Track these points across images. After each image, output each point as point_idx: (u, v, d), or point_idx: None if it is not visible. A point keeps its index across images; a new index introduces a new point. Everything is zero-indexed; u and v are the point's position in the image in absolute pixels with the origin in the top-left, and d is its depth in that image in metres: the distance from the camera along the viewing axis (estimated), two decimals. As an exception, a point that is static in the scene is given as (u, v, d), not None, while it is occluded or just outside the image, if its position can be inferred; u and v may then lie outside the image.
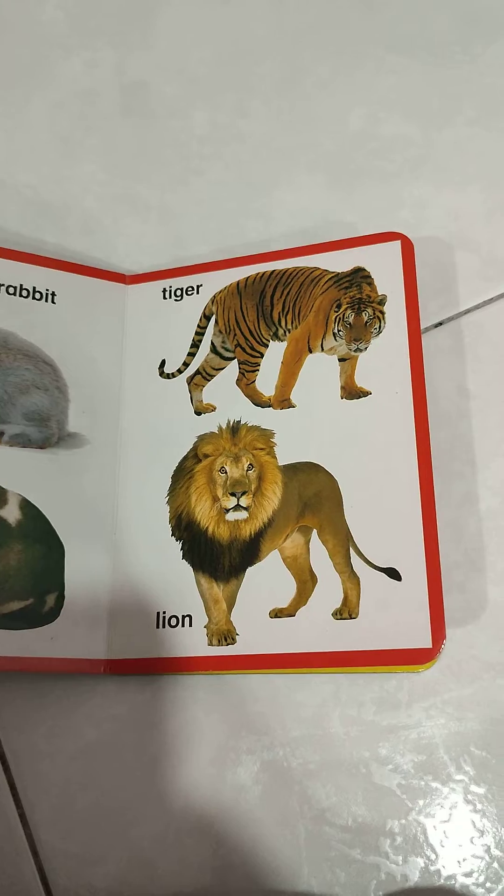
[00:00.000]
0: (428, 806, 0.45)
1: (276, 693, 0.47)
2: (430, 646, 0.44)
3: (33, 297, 0.51)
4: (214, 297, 0.53)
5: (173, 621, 0.47)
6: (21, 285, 0.51)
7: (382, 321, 0.50)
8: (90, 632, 0.47)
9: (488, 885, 0.44)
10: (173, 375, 0.52)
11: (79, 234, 0.56)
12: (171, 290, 0.54)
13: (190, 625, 0.47)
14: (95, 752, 0.47)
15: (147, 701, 0.48)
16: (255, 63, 0.61)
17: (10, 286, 0.51)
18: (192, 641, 0.47)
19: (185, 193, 0.57)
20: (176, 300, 0.53)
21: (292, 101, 0.60)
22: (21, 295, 0.51)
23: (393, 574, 0.45)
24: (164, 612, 0.48)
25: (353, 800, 0.46)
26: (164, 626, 0.47)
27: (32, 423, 0.49)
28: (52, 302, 0.52)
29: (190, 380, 0.52)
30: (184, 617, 0.47)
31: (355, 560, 0.46)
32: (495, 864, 0.44)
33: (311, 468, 0.48)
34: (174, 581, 0.48)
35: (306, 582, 0.47)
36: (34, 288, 0.51)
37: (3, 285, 0.51)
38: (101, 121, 0.59)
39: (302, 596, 0.46)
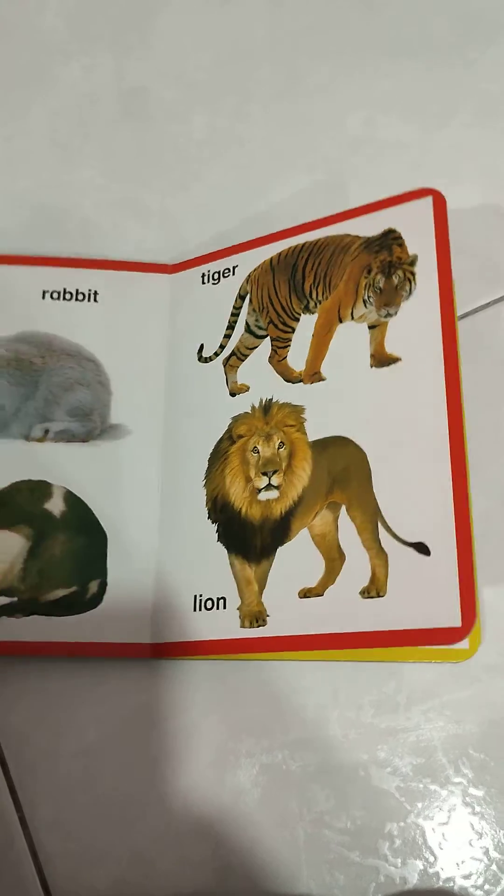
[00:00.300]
0: (426, 808, 0.45)
1: (276, 696, 0.47)
2: (460, 624, 0.40)
3: (76, 299, 0.53)
4: (249, 275, 0.52)
5: (209, 604, 0.47)
6: (64, 289, 0.53)
7: (413, 283, 0.47)
8: (134, 616, 0.48)
9: (487, 887, 0.43)
10: (210, 359, 0.52)
11: (79, 239, 0.56)
12: (209, 275, 0.53)
13: (224, 607, 0.46)
14: (95, 754, 0.47)
15: (147, 703, 0.48)
16: (253, 67, 0.61)
17: (55, 291, 0.53)
18: (227, 623, 0.46)
19: (185, 197, 0.58)
20: (214, 284, 0.53)
21: (291, 104, 0.59)
22: (64, 298, 0.53)
23: (422, 549, 0.43)
24: (200, 595, 0.47)
25: (351, 802, 0.45)
26: (200, 609, 0.47)
27: (76, 418, 0.51)
28: (95, 301, 0.53)
29: (226, 362, 0.51)
30: (218, 599, 0.47)
31: (383, 535, 0.44)
32: (494, 867, 0.43)
33: (341, 442, 0.46)
34: (210, 563, 0.48)
35: (335, 560, 0.45)
36: (77, 290, 0.53)
37: (46, 291, 0.53)
38: (101, 126, 0.60)
39: (330, 574, 0.44)
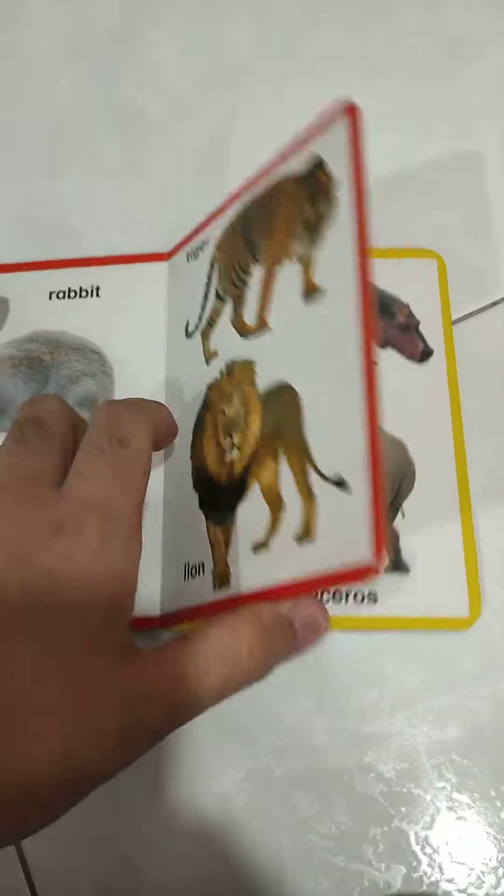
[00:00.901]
0: (410, 813, 0.44)
1: (260, 704, 0.47)
2: (371, 559, 0.37)
3: (80, 296, 0.56)
4: (218, 242, 0.52)
5: (193, 571, 0.47)
6: (69, 288, 0.57)
7: (335, 207, 0.44)
8: (144, 590, 0.50)
9: (470, 890, 0.43)
10: (193, 333, 0.52)
11: (66, 253, 0.58)
12: (192, 252, 0.54)
13: (203, 573, 0.47)
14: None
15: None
16: (242, 83, 0.62)
17: (60, 291, 0.57)
18: (204, 588, 0.46)
19: (174, 213, 0.58)
20: (195, 259, 0.54)
21: (279, 121, 0.58)
22: (69, 297, 0.57)
23: (342, 485, 0.39)
24: (188, 563, 0.48)
25: (336, 808, 0.45)
26: (188, 578, 0.48)
27: (83, 407, 0.54)
28: (98, 296, 0.56)
29: (202, 333, 0.51)
30: (200, 564, 0.47)
31: (313, 477, 0.41)
32: (476, 870, 0.43)
33: (279, 389, 0.44)
34: (194, 531, 0.48)
35: (277, 509, 0.43)
36: (80, 287, 0.56)
37: (53, 292, 0.57)
38: (89, 140, 0.62)
39: (274, 525, 0.43)
